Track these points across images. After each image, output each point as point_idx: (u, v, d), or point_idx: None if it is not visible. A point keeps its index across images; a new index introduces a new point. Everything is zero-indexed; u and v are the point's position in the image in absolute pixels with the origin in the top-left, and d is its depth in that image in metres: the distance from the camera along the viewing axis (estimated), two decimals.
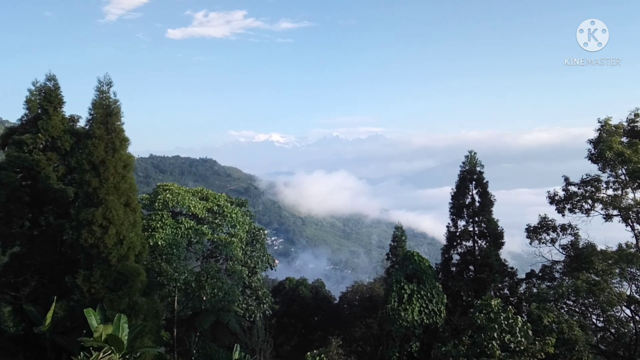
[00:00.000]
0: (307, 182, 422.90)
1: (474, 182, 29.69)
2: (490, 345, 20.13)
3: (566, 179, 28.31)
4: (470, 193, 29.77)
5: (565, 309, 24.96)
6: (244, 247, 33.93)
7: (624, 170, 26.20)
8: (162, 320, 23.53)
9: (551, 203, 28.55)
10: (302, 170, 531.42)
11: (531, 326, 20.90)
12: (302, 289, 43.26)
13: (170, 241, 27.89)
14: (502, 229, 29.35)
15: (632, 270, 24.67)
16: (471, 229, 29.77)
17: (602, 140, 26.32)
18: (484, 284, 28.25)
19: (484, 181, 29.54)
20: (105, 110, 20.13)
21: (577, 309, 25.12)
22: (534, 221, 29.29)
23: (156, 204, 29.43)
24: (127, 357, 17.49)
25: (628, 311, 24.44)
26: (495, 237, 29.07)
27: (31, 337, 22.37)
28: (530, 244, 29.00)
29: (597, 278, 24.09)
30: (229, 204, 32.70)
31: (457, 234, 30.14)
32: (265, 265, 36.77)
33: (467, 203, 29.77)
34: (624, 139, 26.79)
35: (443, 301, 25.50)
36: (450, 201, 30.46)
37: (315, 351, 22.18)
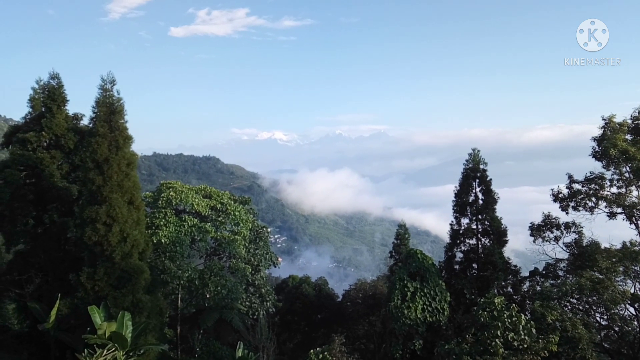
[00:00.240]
0: (310, 180, 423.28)
1: (477, 180, 29.62)
2: (493, 343, 20.10)
3: (570, 177, 28.19)
4: (474, 191, 29.70)
5: (569, 307, 24.89)
6: (247, 244, 34.00)
7: (628, 168, 26.07)
8: (165, 317, 23.62)
9: (555, 201, 28.45)
10: (305, 168, 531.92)
11: (534, 324, 20.84)
12: (305, 287, 43.28)
13: (173, 239, 27.96)
14: (506, 227, 29.31)
15: (636, 268, 24.60)
16: (474, 226, 29.71)
17: (606, 137, 26.20)
18: (487, 281, 28.21)
19: (488, 179, 29.48)
20: (109, 109, 20.18)
21: (580, 307, 25.04)
22: (538, 219, 29.20)
23: (160, 202, 29.50)
24: (130, 354, 17.55)
25: (632, 309, 24.36)
26: (498, 235, 29.01)
27: (35, 334, 22.46)
28: (534, 241, 28.92)
29: (600, 276, 24.03)
30: (232, 202, 32.76)
31: (461, 231, 30.09)
32: (268, 263, 36.86)
33: (470, 201, 29.71)
34: (628, 137, 26.64)
35: (446, 299, 25.48)
36: (454, 199, 30.41)
37: (318, 349, 22.18)
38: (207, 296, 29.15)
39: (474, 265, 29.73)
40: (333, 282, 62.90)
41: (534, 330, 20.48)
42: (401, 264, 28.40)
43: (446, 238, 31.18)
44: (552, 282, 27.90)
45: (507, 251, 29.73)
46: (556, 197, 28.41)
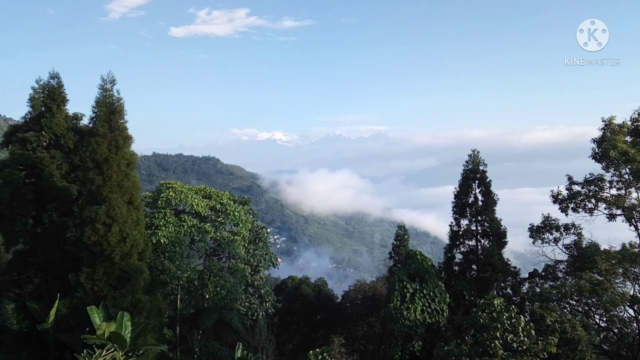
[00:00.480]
0: (310, 180, 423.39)
1: (477, 181, 29.61)
2: (492, 344, 20.08)
3: (570, 178, 28.19)
4: (473, 192, 29.70)
5: (568, 309, 24.87)
6: (246, 245, 33.98)
7: (627, 170, 26.07)
8: (164, 318, 23.57)
9: (554, 202, 28.44)
10: (305, 169, 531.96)
11: (534, 326, 20.82)
12: (305, 288, 43.26)
13: (173, 239, 27.95)
14: (505, 228, 29.29)
15: (635, 270, 24.58)
16: (474, 228, 29.69)
17: (606, 139, 26.19)
18: (486, 283, 28.20)
19: (487, 180, 29.46)
20: (109, 108, 20.16)
21: (580, 309, 25.03)
22: (537, 220, 29.21)
23: (159, 202, 29.49)
24: (129, 354, 17.54)
25: (631, 311, 24.35)
26: (498, 236, 29.00)
27: (34, 334, 22.41)
28: (534, 243, 28.91)
29: (600, 278, 24.02)
30: (231, 202, 32.75)
31: (460, 233, 30.07)
32: (267, 263, 36.82)
33: (470, 202, 29.70)
34: (628, 138, 26.65)
35: (445, 300, 25.47)
36: (453, 200, 30.38)
37: (317, 350, 22.16)
38: (207, 296, 29.13)
39: (474, 266, 29.71)
40: (332, 283, 62.93)
41: (533, 332, 20.47)
42: (400, 265, 28.41)
43: (446, 239, 31.16)
44: (551, 283, 27.90)
45: (507, 252, 29.71)
46: (556, 198, 28.41)
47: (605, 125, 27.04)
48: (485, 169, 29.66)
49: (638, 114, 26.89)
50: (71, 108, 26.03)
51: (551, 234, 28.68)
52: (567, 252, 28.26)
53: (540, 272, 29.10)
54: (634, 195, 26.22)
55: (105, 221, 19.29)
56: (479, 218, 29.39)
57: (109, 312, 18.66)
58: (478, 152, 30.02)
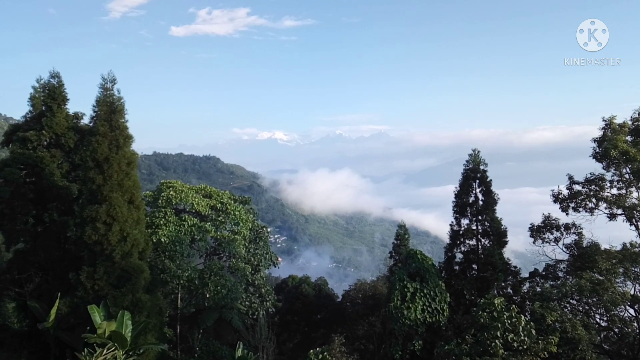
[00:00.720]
0: (311, 180, 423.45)
1: (477, 181, 29.60)
2: (493, 344, 20.09)
3: (570, 178, 28.18)
4: (474, 191, 29.68)
5: (569, 308, 24.88)
6: (247, 244, 34.00)
7: (628, 169, 26.06)
8: (165, 317, 23.59)
9: (555, 202, 28.44)
10: (306, 168, 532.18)
11: (534, 325, 20.83)
12: (305, 287, 43.28)
13: (173, 238, 27.95)
14: (506, 228, 29.28)
15: (636, 269, 24.58)
16: (474, 227, 29.69)
17: (607, 138, 26.19)
18: (487, 282, 28.20)
19: (488, 179, 29.46)
20: (109, 108, 20.17)
21: (580, 308, 25.03)
22: (538, 220, 29.20)
23: (160, 201, 29.49)
24: (130, 353, 17.54)
25: (632, 311, 24.35)
26: (498, 235, 28.99)
27: (35, 333, 22.45)
28: (534, 242, 28.91)
29: (600, 277, 24.02)
30: (232, 202, 32.74)
31: (461, 232, 30.07)
32: (268, 262, 36.85)
33: (470, 201, 29.69)
34: (629, 138, 26.65)
35: (446, 300, 25.46)
36: (454, 200, 30.39)
37: (317, 349, 22.18)
38: (207, 296, 29.15)
39: (474, 266, 29.71)
40: (333, 283, 62.90)
41: (533, 332, 20.48)
42: (401, 265, 28.39)
43: (446, 239, 31.16)
44: (552, 283, 27.88)
45: (507, 252, 29.70)
46: (556, 198, 28.41)
47: (606, 124, 27.03)
48: (485, 169, 29.65)
49: (638, 114, 26.88)
50: (72, 107, 26.09)
51: (552, 233, 28.67)
52: (567, 252, 28.25)
53: (540, 271, 29.10)
54: (635, 194, 26.22)
55: (105, 220, 19.29)
56: (480, 217, 29.38)
57: (109, 311, 18.67)
58: (479, 151, 30.01)
